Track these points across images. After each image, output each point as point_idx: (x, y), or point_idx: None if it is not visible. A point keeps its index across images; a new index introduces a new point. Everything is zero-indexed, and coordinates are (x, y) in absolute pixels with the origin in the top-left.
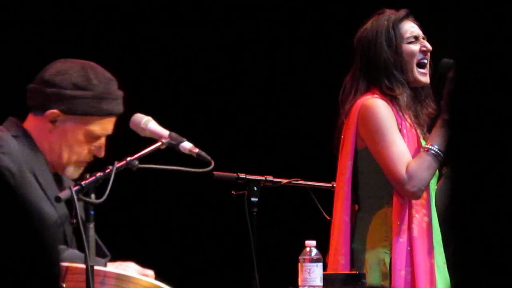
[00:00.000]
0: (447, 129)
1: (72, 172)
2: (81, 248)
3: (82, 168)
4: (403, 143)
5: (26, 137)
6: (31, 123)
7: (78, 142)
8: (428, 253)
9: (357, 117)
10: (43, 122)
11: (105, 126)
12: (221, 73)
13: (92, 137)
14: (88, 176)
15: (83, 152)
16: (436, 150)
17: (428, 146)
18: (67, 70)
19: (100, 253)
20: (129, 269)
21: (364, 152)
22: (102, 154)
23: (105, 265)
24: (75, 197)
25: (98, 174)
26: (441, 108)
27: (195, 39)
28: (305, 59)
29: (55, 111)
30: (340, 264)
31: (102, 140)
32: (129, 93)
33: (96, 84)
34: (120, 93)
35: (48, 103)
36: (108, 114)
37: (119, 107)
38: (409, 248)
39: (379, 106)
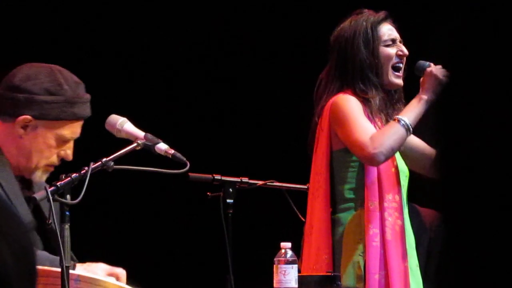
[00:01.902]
0: (421, 107)
1: (40, 176)
2: (50, 250)
3: (49, 172)
4: (371, 125)
5: None
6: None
7: (49, 146)
8: (401, 256)
9: (329, 115)
10: (12, 127)
11: (74, 130)
12: (197, 74)
13: (62, 141)
14: (63, 177)
15: (52, 156)
16: (406, 122)
17: (398, 117)
18: (36, 75)
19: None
20: (98, 270)
21: (339, 154)
22: (70, 157)
23: (73, 267)
24: (51, 198)
25: (74, 175)
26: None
27: (170, 39)
28: (281, 61)
29: (27, 116)
30: (325, 263)
31: (71, 144)
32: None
33: (67, 89)
34: (88, 97)
35: (19, 109)
36: (78, 118)
37: (88, 111)
38: (382, 252)
39: (348, 99)
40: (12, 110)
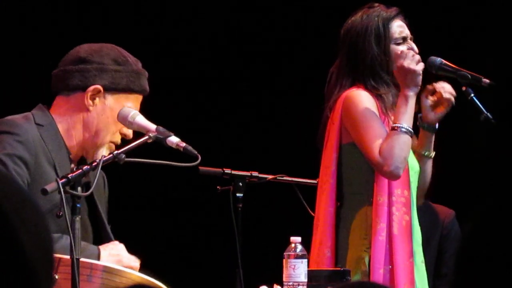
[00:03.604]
0: (410, 104)
1: (104, 154)
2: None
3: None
4: (382, 127)
5: (52, 127)
6: (63, 106)
7: (115, 120)
8: (407, 252)
9: (341, 109)
10: (80, 100)
11: (138, 105)
12: (207, 68)
13: None
14: (75, 169)
15: (117, 133)
16: (406, 127)
17: (396, 125)
18: (101, 48)
19: (107, 241)
20: (118, 247)
21: (348, 148)
22: (131, 135)
23: (98, 250)
24: (62, 190)
25: (85, 167)
26: (399, 83)
27: (180, 34)
28: (291, 55)
29: (97, 86)
30: (326, 257)
31: None
32: None
33: (131, 62)
34: (147, 73)
35: (90, 79)
36: (143, 90)
37: (148, 86)
38: (388, 246)
39: (361, 95)
40: (82, 81)
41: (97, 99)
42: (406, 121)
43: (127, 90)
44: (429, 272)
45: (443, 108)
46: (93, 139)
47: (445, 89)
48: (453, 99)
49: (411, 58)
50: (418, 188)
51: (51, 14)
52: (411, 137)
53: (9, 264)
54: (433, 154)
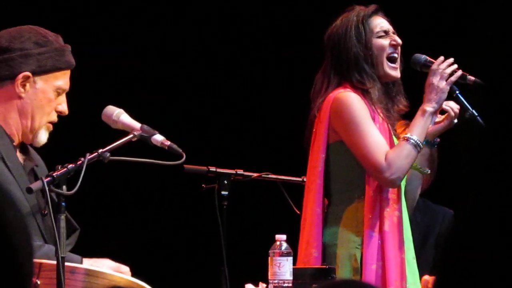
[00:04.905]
0: (427, 120)
1: (44, 135)
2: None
3: (49, 131)
4: (379, 133)
5: None
6: None
7: (49, 101)
8: (398, 248)
9: (329, 110)
10: (11, 89)
11: (67, 80)
12: (192, 67)
13: (58, 94)
14: (59, 168)
15: (52, 112)
16: (416, 140)
17: (407, 136)
18: (19, 33)
19: (70, 227)
20: (103, 266)
21: (336, 146)
22: (67, 111)
23: (81, 262)
24: (47, 189)
25: (70, 165)
26: (423, 99)
27: (166, 31)
28: (277, 54)
29: (26, 73)
30: (313, 257)
31: (64, 98)
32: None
33: (52, 40)
34: (69, 46)
35: (16, 67)
36: (70, 66)
37: (73, 60)
38: (380, 242)
39: (352, 98)
40: (9, 71)
41: (27, 85)
42: (418, 134)
43: (54, 69)
44: (426, 269)
45: (442, 122)
46: (31, 124)
47: (448, 103)
48: (452, 113)
49: (441, 76)
50: (407, 201)
51: None
52: (419, 151)
53: None
54: (427, 171)
